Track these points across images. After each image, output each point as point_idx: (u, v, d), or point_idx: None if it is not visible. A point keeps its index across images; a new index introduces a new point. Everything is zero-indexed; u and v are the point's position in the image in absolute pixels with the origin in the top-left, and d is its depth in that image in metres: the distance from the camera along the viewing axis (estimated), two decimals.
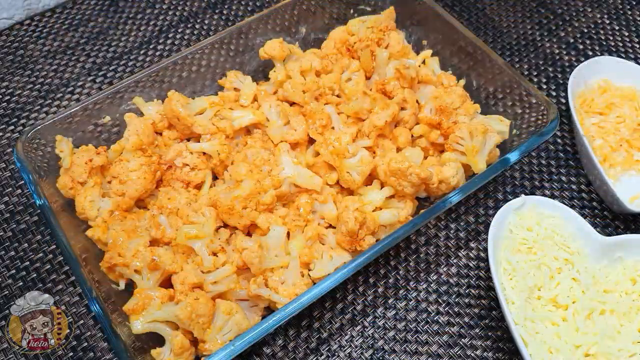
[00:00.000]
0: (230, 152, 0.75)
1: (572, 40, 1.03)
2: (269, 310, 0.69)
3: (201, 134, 0.76)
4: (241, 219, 0.68)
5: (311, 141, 0.78)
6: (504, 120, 0.76)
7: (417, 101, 0.81)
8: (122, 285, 0.66)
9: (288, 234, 0.69)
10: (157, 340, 0.62)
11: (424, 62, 0.87)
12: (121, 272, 0.65)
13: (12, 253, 0.78)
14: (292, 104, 0.81)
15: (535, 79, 0.98)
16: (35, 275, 0.76)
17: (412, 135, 0.79)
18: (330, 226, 0.73)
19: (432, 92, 0.81)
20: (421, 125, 0.79)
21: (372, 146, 0.76)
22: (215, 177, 0.77)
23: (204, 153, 0.75)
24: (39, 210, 0.81)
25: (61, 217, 0.66)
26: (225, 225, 0.70)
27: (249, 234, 0.71)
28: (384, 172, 0.71)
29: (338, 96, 0.80)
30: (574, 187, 0.85)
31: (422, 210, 0.67)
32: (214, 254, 0.66)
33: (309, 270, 0.68)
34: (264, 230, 0.68)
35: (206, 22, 1.06)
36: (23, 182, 0.85)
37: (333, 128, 0.77)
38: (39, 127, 0.71)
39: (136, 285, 0.64)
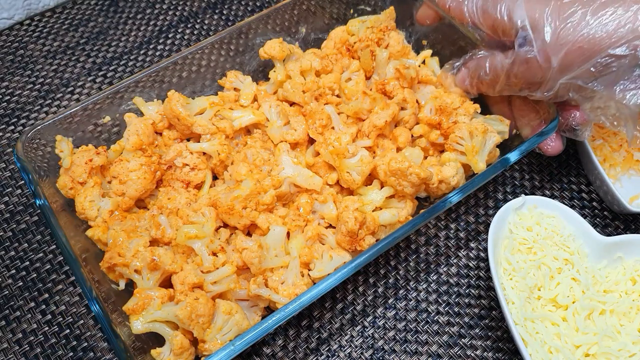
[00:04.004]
0: (230, 152, 0.75)
1: None
2: (269, 310, 0.69)
3: (201, 134, 0.76)
4: (241, 219, 0.68)
5: (311, 141, 0.78)
6: (504, 120, 0.76)
7: (417, 101, 0.81)
8: (122, 285, 0.66)
9: (288, 234, 0.69)
10: (157, 340, 0.62)
11: (423, 62, 0.87)
12: (121, 272, 0.65)
13: (12, 253, 0.78)
14: (292, 104, 0.81)
15: None
16: (35, 275, 0.76)
17: (412, 135, 0.79)
18: (330, 226, 0.73)
19: (432, 92, 0.81)
20: (421, 125, 0.79)
21: (372, 146, 0.76)
22: (215, 177, 0.77)
23: (204, 153, 0.75)
24: (39, 211, 0.81)
25: (61, 217, 0.66)
26: (225, 225, 0.70)
27: (248, 234, 0.71)
28: (383, 172, 0.71)
29: (338, 96, 0.80)
30: (574, 187, 0.86)
31: (422, 211, 0.67)
32: (214, 254, 0.66)
33: (309, 270, 0.68)
34: (263, 230, 0.68)
35: (206, 22, 1.06)
36: (23, 182, 0.85)
37: (333, 128, 0.77)
38: (39, 127, 0.71)
39: (136, 285, 0.64)
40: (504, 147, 0.78)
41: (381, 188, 0.73)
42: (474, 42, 0.79)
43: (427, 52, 0.86)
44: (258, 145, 0.76)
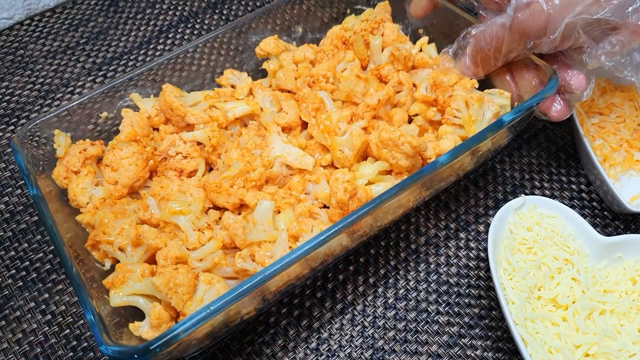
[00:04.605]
0: (223, 140, 0.74)
1: None
2: None
3: (195, 124, 0.75)
4: (229, 197, 0.67)
5: (304, 126, 0.77)
6: (504, 92, 0.74)
7: (413, 84, 0.80)
8: (107, 266, 0.65)
9: (278, 212, 0.68)
10: (139, 319, 0.60)
11: (421, 50, 0.86)
12: (105, 251, 0.64)
13: (12, 253, 0.78)
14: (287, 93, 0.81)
15: None
16: (35, 275, 0.76)
17: (408, 116, 0.78)
18: (325, 207, 0.71)
19: (429, 74, 0.79)
20: (417, 103, 0.77)
21: (367, 127, 0.75)
22: (210, 169, 0.77)
23: (199, 143, 0.75)
24: (38, 211, 0.81)
25: (54, 206, 0.65)
26: (217, 209, 0.70)
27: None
28: (376, 146, 0.69)
29: (332, 84, 0.80)
30: (574, 187, 0.86)
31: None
32: (201, 232, 0.65)
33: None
34: (252, 208, 0.67)
35: (206, 22, 1.06)
36: (23, 182, 0.85)
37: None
38: (37, 121, 0.71)
39: None
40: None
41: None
42: (471, 24, 0.78)
43: (423, 39, 0.85)
44: (252, 134, 0.75)
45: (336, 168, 0.73)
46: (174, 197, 0.68)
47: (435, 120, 0.76)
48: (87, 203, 0.69)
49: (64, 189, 0.71)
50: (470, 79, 0.75)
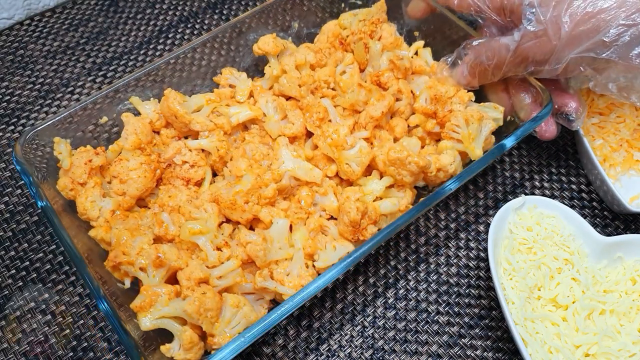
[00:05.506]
0: (229, 148, 0.75)
1: None
2: (275, 302, 0.69)
3: (199, 131, 0.75)
4: (243, 214, 0.68)
5: (309, 134, 0.78)
6: (498, 107, 0.77)
7: (411, 92, 0.81)
8: (127, 284, 0.66)
9: (291, 227, 0.69)
10: (165, 337, 0.62)
11: (416, 53, 0.87)
12: (126, 271, 0.64)
13: (12, 253, 0.78)
14: (288, 98, 0.81)
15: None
16: (35, 275, 0.76)
17: (408, 126, 0.79)
18: (332, 218, 0.73)
19: (426, 82, 0.81)
20: (417, 115, 0.79)
21: (370, 137, 0.76)
22: (214, 174, 0.77)
23: (203, 150, 0.75)
24: (39, 210, 0.81)
25: (63, 218, 0.66)
26: (228, 221, 0.71)
27: (251, 229, 0.71)
28: (383, 162, 0.71)
29: (333, 89, 0.80)
30: (574, 187, 0.86)
31: (421, 199, 0.67)
32: (218, 249, 0.66)
33: (314, 261, 0.68)
34: (266, 224, 0.68)
35: (206, 22, 1.06)
36: (23, 182, 0.85)
37: (330, 121, 0.77)
38: (37, 130, 0.71)
39: (141, 283, 0.64)
40: (499, 133, 0.78)
41: (380, 178, 0.73)
42: (465, 31, 0.79)
43: (419, 43, 0.86)
44: (256, 141, 0.76)
45: (341, 178, 0.75)
46: (185, 208, 0.69)
47: (434, 131, 0.78)
48: (98, 217, 0.69)
49: (69, 199, 0.71)
50: (467, 91, 0.77)
